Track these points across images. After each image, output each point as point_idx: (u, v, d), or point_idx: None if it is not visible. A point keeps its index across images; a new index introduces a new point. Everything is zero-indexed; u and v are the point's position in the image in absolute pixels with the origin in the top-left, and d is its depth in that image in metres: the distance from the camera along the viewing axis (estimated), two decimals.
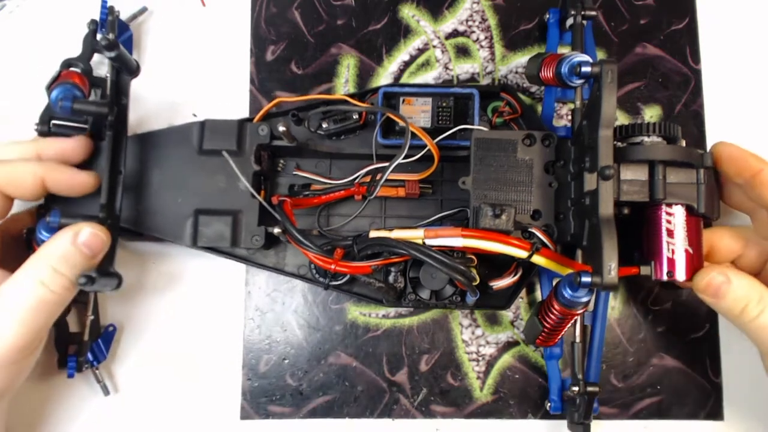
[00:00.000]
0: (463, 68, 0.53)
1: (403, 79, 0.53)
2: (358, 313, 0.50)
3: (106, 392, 0.48)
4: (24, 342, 0.38)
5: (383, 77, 0.53)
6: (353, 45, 0.53)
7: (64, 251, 0.39)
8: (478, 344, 0.50)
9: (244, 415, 0.49)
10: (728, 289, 0.39)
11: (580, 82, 0.44)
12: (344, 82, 0.53)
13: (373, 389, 0.50)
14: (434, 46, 0.54)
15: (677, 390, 0.50)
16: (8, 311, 0.38)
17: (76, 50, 0.49)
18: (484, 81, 0.53)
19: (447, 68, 0.53)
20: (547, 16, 0.52)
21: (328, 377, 0.50)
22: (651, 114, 0.53)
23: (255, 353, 0.50)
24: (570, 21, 0.49)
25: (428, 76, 0.53)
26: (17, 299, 0.38)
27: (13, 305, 0.38)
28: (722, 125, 0.53)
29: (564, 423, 0.49)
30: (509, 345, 0.50)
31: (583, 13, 0.48)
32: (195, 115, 0.52)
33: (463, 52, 0.54)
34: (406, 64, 0.53)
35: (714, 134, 0.53)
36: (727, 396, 0.50)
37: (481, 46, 0.54)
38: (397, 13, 0.54)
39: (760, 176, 0.40)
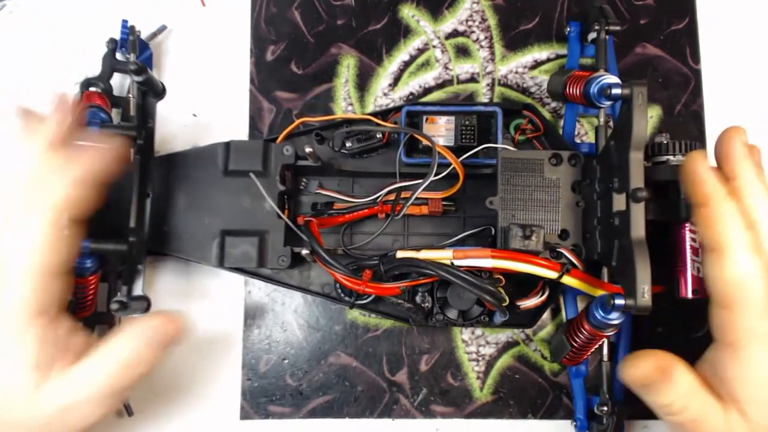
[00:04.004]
0: (463, 68, 0.53)
1: (403, 80, 0.53)
2: (357, 313, 0.50)
3: (130, 413, 0.48)
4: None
5: (383, 77, 0.53)
6: (353, 45, 0.53)
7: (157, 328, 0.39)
8: (478, 344, 0.50)
9: (244, 415, 0.49)
10: (668, 386, 0.36)
11: (608, 103, 0.43)
12: (344, 82, 0.53)
13: (373, 389, 0.50)
14: (434, 46, 0.54)
15: None
16: (94, 392, 0.37)
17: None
18: (484, 81, 0.53)
19: (447, 68, 0.53)
20: (568, 29, 0.51)
21: (328, 377, 0.50)
22: (651, 114, 0.53)
23: (255, 353, 0.50)
24: (593, 35, 0.48)
25: (428, 76, 0.53)
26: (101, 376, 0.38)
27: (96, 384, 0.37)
28: (722, 125, 0.52)
29: (563, 423, 0.49)
30: (509, 345, 0.50)
31: (607, 28, 0.47)
32: (195, 116, 0.52)
33: (463, 52, 0.54)
34: (406, 64, 0.53)
35: (714, 134, 0.52)
36: None
37: (481, 46, 0.54)
38: (397, 13, 0.54)
39: (704, 211, 0.36)
